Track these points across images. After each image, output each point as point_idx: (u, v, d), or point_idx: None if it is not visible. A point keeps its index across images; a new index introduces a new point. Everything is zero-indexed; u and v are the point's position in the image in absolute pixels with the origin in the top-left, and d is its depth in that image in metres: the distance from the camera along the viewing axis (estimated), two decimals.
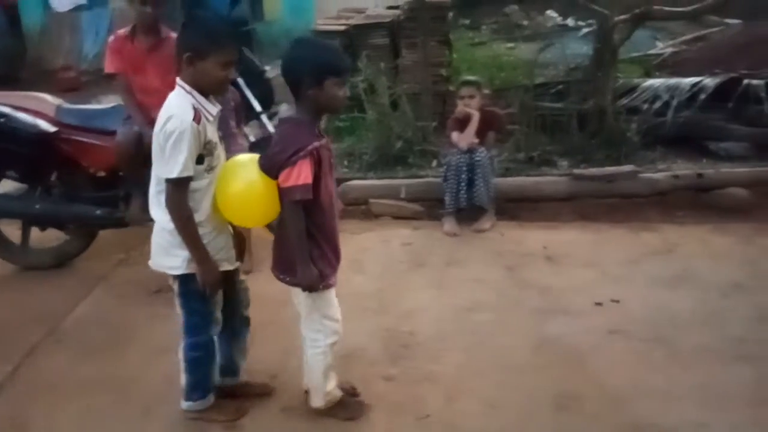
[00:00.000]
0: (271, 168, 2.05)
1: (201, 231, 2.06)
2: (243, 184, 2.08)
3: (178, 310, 2.21)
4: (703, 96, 5.52)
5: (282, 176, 2.01)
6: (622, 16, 4.91)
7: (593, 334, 2.85)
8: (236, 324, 2.34)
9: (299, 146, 1.99)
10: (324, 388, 2.27)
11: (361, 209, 4.17)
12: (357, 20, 6.59)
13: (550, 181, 4.34)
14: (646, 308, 3.03)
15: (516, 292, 3.25)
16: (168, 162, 1.97)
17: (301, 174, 1.99)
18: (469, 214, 4.06)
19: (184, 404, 2.33)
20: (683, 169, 4.60)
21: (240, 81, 3.51)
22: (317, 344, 2.21)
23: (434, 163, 4.98)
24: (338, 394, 2.32)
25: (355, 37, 6.26)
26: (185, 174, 1.98)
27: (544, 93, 6.02)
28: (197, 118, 1.99)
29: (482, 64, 7.99)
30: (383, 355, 2.73)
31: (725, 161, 5.01)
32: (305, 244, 2.06)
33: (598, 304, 3.08)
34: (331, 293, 2.20)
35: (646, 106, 5.52)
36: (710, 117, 5.46)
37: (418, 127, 5.34)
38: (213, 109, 2.07)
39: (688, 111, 5.41)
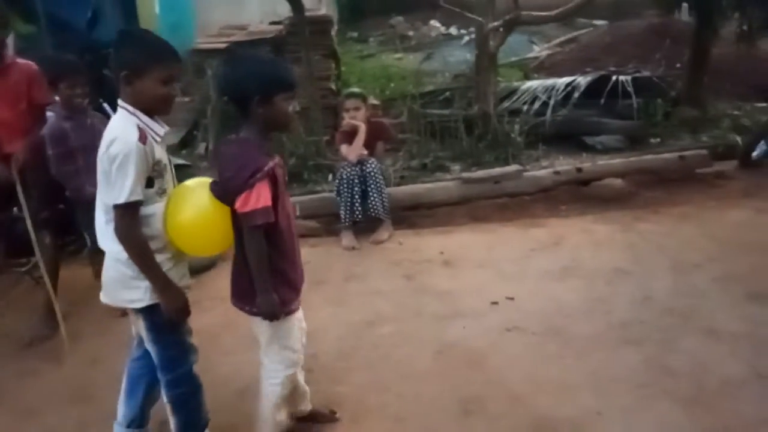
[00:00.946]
0: (225, 193, 1.92)
1: (160, 258, 1.91)
2: (194, 212, 1.93)
3: (150, 347, 2.02)
4: (576, 94, 5.91)
5: (240, 201, 1.87)
6: (495, 23, 5.11)
7: (491, 334, 2.88)
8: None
9: (255, 168, 1.86)
10: (274, 419, 2.16)
11: None
12: (239, 37, 6.43)
13: (441, 186, 4.40)
14: (539, 302, 3.12)
15: (415, 300, 3.23)
16: (114, 187, 1.82)
17: (260, 197, 1.86)
18: (366, 226, 4.03)
19: None
20: (564, 164, 4.86)
21: (106, 107, 3.25)
22: (276, 375, 2.11)
23: (330, 177, 4.92)
24: (289, 422, 2.21)
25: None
26: (133, 198, 1.83)
27: (432, 101, 6.18)
28: (143, 138, 1.84)
29: (371, 75, 8.09)
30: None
31: (602, 154, 5.37)
32: (266, 271, 1.94)
33: (494, 303, 3.14)
34: (292, 321, 2.09)
35: (525, 107, 5.81)
36: (585, 113, 5.83)
37: (309, 142, 5.28)
38: (160, 129, 1.93)
39: (565, 109, 5.77)
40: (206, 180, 2.02)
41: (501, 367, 2.67)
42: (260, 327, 2.05)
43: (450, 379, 2.59)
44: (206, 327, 3.02)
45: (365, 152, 3.99)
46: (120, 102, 1.90)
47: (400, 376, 2.63)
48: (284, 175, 2.03)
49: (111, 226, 1.87)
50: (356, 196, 3.93)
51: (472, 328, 2.95)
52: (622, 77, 6.05)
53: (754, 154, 4.82)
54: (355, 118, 4.09)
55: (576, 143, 5.59)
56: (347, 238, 3.93)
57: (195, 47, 6.34)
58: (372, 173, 3.93)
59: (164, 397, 2.08)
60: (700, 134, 5.65)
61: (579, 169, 4.50)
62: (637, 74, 6.29)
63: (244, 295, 2.03)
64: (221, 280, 3.41)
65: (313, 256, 3.72)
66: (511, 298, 3.17)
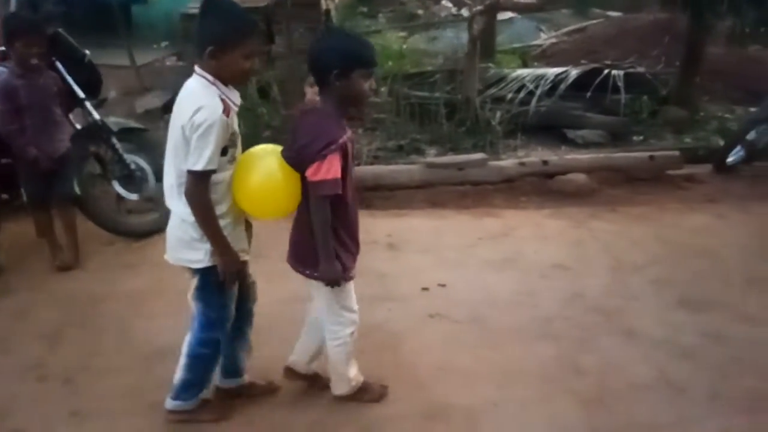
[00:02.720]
0: (298, 161, 1.99)
1: (222, 223, 1.98)
2: (264, 176, 2.01)
3: (194, 304, 2.13)
4: (563, 86, 5.83)
5: (311, 170, 1.94)
6: (477, 8, 5.03)
7: (413, 320, 2.91)
8: (241, 320, 2.26)
9: (330, 139, 1.93)
10: (348, 375, 2.30)
11: None
12: None
13: (405, 169, 4.39)
14: (470, 291, 3.13)
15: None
16: (193, 154, 1.88)
17: (331, 168, 1.93)
18: None
19: (171, 403, 2.22)
20: (541, 156, 4.81)
21: (59, 65, 3.28)
22: (338, 335, 2.22)
23: None
24: (361, 378, 2.35)
25: None
26: (210, 167, 1.89)
27: (422, 83, 6.12)
28: (227, 110, 1.91)
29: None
30: None
31: (582, 148, 5.31)
32: (330, 240, 2.02)
33: (425, 289, 3.15)
34: (351, 285, 2.21)
35: (511, 95, 5.73)
36: (570, 106, 5.75)
37: (287, 115, 5.28)
38: (236, 98, 1.99)
39: (551, 100, 5.69)
40: (274, 146, 2.10)
41: (414, 352, 2.70)
42: (320, 290, 2.14)
43: (362, 362, 2.60)
44: (136, 291, 3.11)
45: None
46: (199, 70, 1.93)
47: None
48: (353, 149, 2.10)
49: (181, 189, 1.94)
50: None
51: (396, 312, 2.97)
52: (614, 71, 5.96)
53: (730, 159, 4.72)
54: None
55: (558, 135, 5.53)
56: None
57: (186, 12, 6.32)
58: None
59: (185, 352, 2.16)
60: (685, 135, 5.55)
61: (545, 162, 4.46)
62: (631, 69, 6.19)
63: (304, 259, 2.12)
64: (162, 245, 3.49)
65: (261, 229, 3.74)
66: (443, 285, 3.18)
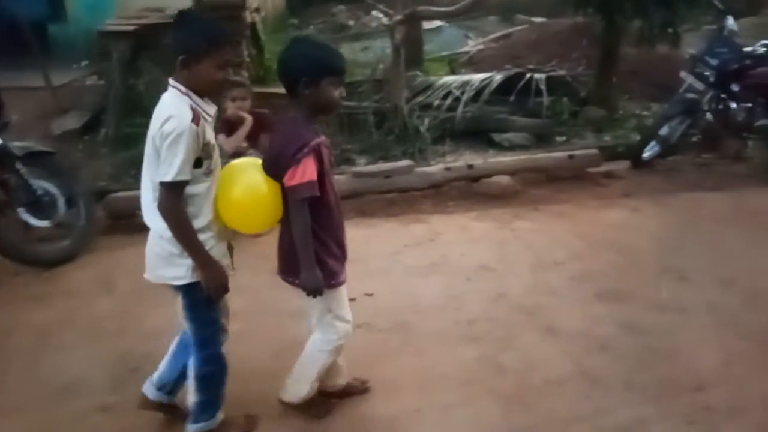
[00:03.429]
0: (275, 170, 1.99)
1: (203, 237, 1.95)
2: (246, 189, 2.01)
3: (188, 324, 2.08)
4: (487, 91, 5.97)
5: (287, 176, 1.96)
6: (397, 17, 5.09)
7: None
8: None
9: (301, 143, 1.95)
10: (311, 385, 2.27)
11: (125, 223, 3.90)
12: (151, 20, 6.24)
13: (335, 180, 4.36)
14: (396, 299, 3.14)
15: (275, 296, 3.17)
16: (163, 164, 1.86)
17: (306, 171, 1.94)
18: None
19: (193, 428, 2.16)
20: (467, 160, 4.89)
21: None
22: (328, 344, 2.20)
23: None
24: (313, 391, 2.31)
25: (147, 38, 5.91)
26: (181, 177, 1.86)
27: (351, 92, 6.11)
28: (196, 119, 1.88)
29: None
30: (105, 384, 2.54)
31: (508, 151, 5.43)
32: (310, 245, 2.02)
33: (352, 299, 3.09)
34: (342, 291, 2.19)
35: (437, 102, 5.82)
36: (496, 110, 5.89)
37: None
38: (210, 109, 1.97)
39: (477, 105, 5.81)
40: (254, 159, 2.11)
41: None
42: (310, 299, 2.11)
43: (279, 379, 2.57)
44: (45, 323, 2.96)
45: (244, 145, 3.92)
46: (171, 81, 1.92)
47: (234, 376, 2.56)
48: (330, 155, 2.12)
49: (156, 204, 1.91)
50: None
51: None
52: (536, 75, 6.15)
53: (646, 154, 4.94)
54: (242, 108, 4.01)
55: (485, 139, 5.64)
56: None
57: (103, 29, 6.12)
58: None
59: (193, 374, 2.11)
60: (605, 134, 5.78)
61: (470, 166, 4.53)
62: (552, 73, 6.40)
63: (291, 269, 2.10)
64: (75, 273, 3.36)
65: None
66: (370, 295, 3.17)
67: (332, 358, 2.24)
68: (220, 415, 2.21)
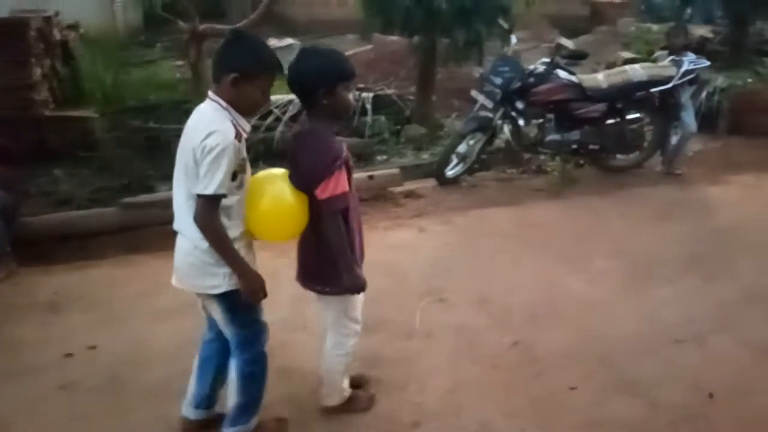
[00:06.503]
0: (306, 183, 2.04)
1: (236, 246, 1.99)
2: (275, 200, 2.07)
3: (227, 329, 2.12)
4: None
5: (320, 188, 2.01)
6: (185, 36, 4.83)
7: (39, 393, 2.53)
8: (225, 351, 2.19)
9: (334, 156, 2.02)
10: (342, 386, 2.37)
11: None
12: None
13: (98, 213, 3.98)
14: (123, 349, 2.83)
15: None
16: (205, 178, 1.88)
17: (339, 184, 2.02)
18: None
19: (228, 431, 2.17)
20: None
21: None
22: (343, 347, 2.29)
23: None
24: (350, 390, 2.41)
25: None
26: (221, 191, 1.90)
27: (151, 115, 5.74)
28: (239, 135, 1.95)
29: (134, 83, 7.46)
30: None
31: None
32: (348, 251, 2.10)
33: (69, 355, 2.77)
34: (359, 295, 2.25)
35: (255, 121, 5.58)
36: None
37: None
38: (247, 126, 2.02)
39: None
40: (280, 170, 2.13)
41: None
42: (330, 304, 2.25)
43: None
44: None
45: None
46: (212, 95, 1.96)
47: None
48: (350, 161, 2.15)
49: (191, 212, 1.93)
50: None
51: (22, 388, 2.56)
52: (363, 94, 6.08)
53: (450, 172, 4.95)
54: None
55: None
56: None
57: None
58: None
59: (236, 376, 2.12)
60: (425, 151, 5.78)
61: None
62: (380, 92, 6.38)
63: (316, 277, 2.21)
64: None
65: None
66: (94, 347, 2.83)
67: (350, 358, 2.33)
68: (255, 420, 2.21)
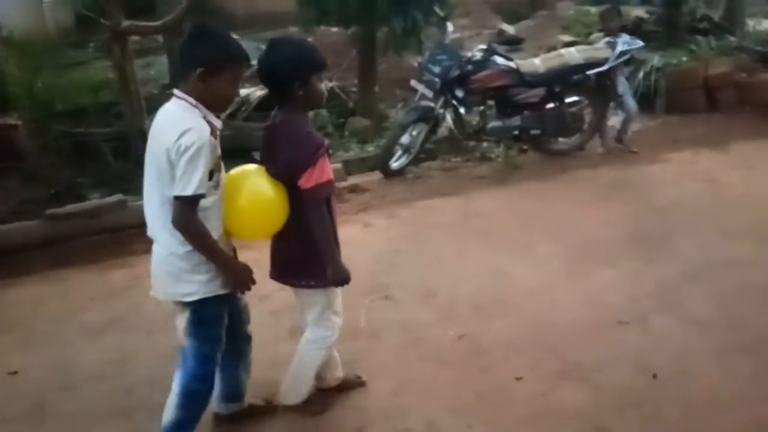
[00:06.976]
0: (289, 172, 1.99)
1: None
2: (253, 196, 2.00)
3: (187, 342, 2.03)
4: (245, 108, 5.65)
5: (304, 178, 1.97)
6: (107, 35, 4.58)
7: None
8: (240, 342, 2.21)
9: (317, 144, 1.99)
10: (310, 381, 2.29)
11: None
12: None
13: (19, 227, 3.73)
14: (45, 374, 2.65)
15: None
16: (182, 179, 1.80)
17: (323, 172, 1.99)
18: None
19: None
20: None
21: None
22: (324, 341, 2.24)
23: None
24: (311, 391, 2.33)
25: None
26: (200, 191, 1.83)
27: (78, 119, 5.45)
28: (214, 132, 1.88)
29: (55, 87, 7.07)
30: None
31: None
32: (332, 242, 2.07)
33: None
34: (339, 288, 2.20)
35: None
36: (257, 127, 5.56)
37: None
38: (218, 123, 1.95)
39: (234, 123, 5.43)
40: (253, 166, 2.07)
41: None
42: (314, 297, 2.19)
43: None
44: None
45: None
46: (178, 93, 1.88)
47: None
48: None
49: (167, 218, 1.85)
50: None
51: None
52: None
53: (396, 164, 4.87)
54: None
55: (248, 157, 5.26)
56: None
57: None
58: None
59: (180, 390, 2.03)
60: (370, 144, 5.68)
61: None
62: None
63: (298, 271, 2.14)
64: None
65: None
66: (14, 373, 2.64)
67: (329, 353, 2.28)
68: None
